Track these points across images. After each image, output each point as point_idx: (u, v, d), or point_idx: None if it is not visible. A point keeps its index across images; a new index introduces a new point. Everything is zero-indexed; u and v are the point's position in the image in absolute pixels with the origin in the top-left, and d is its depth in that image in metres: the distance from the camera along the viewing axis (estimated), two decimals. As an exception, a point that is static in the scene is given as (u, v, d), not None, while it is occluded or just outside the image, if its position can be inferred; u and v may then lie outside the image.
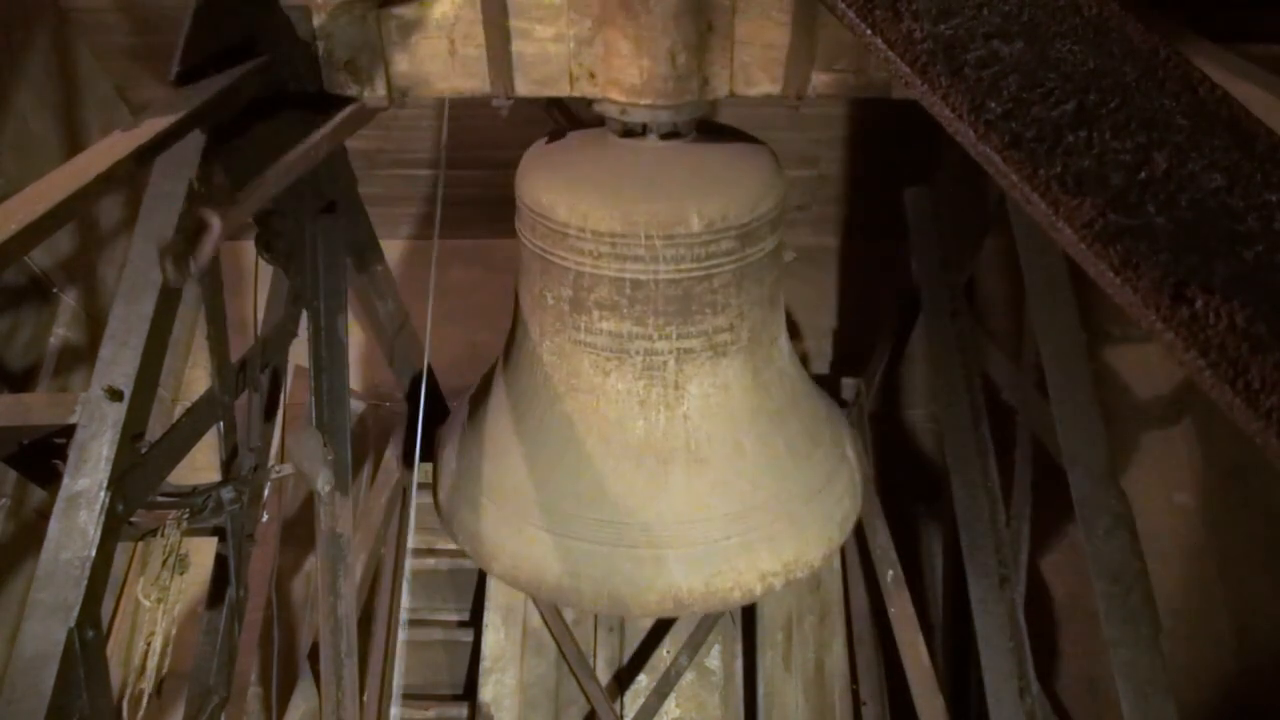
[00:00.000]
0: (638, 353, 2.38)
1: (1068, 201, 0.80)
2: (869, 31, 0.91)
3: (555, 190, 2.30)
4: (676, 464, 2.47)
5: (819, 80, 2.14)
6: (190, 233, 1.23)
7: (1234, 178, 0.77)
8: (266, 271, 2.49)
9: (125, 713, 1.89)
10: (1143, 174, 0.79)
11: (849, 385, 4.05)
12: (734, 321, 2.40)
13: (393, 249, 3.19)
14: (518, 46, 2.13)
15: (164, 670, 2.01)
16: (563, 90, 2.19)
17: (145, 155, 1.63)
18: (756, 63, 2.13)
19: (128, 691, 1.93)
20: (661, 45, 2.01)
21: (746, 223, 2.29)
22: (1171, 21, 1.56)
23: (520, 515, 2.56)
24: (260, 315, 2.53)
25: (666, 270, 2.26)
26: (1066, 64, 0.85)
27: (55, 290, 3.86)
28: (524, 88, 2.20)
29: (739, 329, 2.42)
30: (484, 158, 3.40)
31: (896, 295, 3.67)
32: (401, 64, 2.18)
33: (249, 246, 2.35)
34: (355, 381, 2.88)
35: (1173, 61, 0.83)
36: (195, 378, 4.57)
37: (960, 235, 3.15)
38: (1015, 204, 1.14)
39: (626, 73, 2.07)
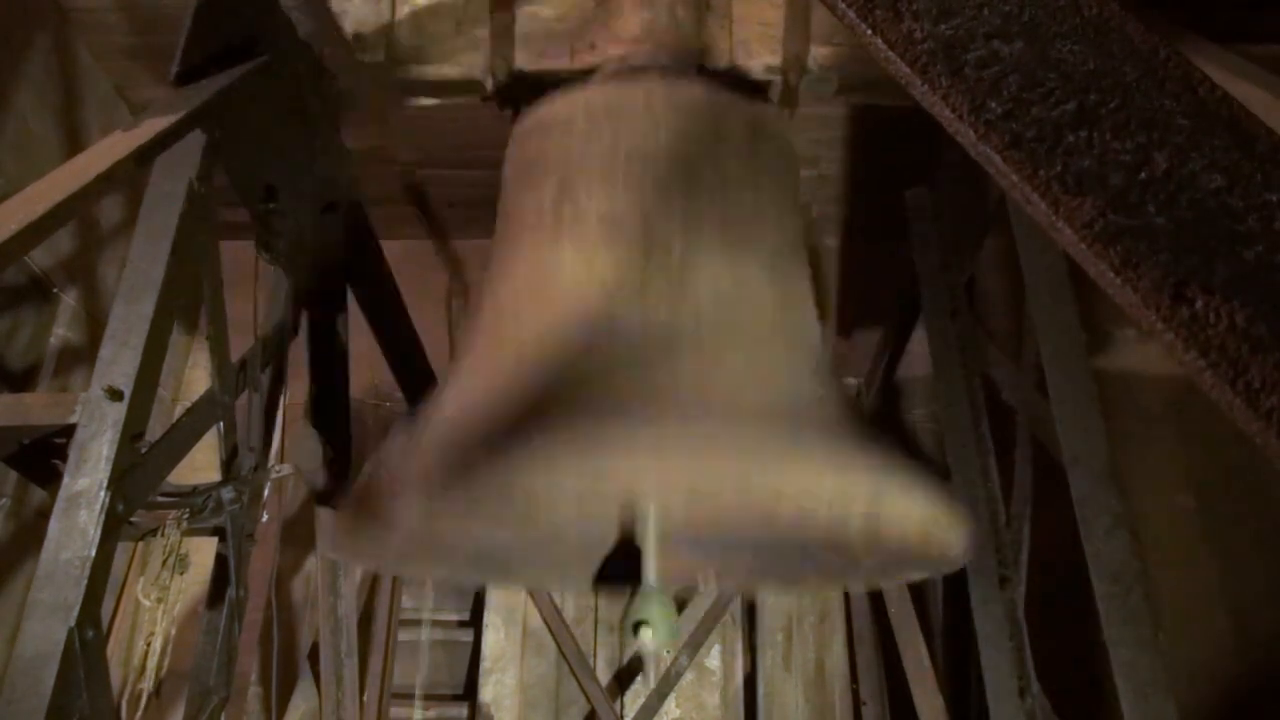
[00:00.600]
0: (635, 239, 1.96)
1: (1068, 201, 0.80)
2: (869, 31, 0.91)
3: (546, 100, 2.10)
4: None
5: (818, 53, 2.17)
6: None
7: (1234, 178, 0.78)
8: (266, 271, 2.49)
9: (125, 713, 1.89)
10: (1143, 174, 0.79)
11: (849, 385, 4.06)
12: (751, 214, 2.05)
13: (393, 249, 3.19)
14: (522, 28, 2.16)
15: (164, 670, 2.01)
16: (563, 62, 2.20)
17: (145, 155, 1.63)
18: (755, 38, 2.15)
19: (127, 691, 1.93)
20: (661, 2, 2.03)
21: (755, 116, 2.14)
22: (1171, 21, 1.56)
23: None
24: (260, 315, 2.53)
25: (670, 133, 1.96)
26: (1067, 64, 0.85)
27: (55, 290, 3.86)
28: (525, 61, 2.21)
29: (759, 221, 2.06)
30: (484, 158, 3.40)
31: (896, 295, 3.67)
32: (406, 38, 2.20)
33: (249, 246, 2.35)
34: (355, 381, 2.88)
35: (1173, 61, 0.83)
36: (195, 378, 4.57)
37: (960, 235, 3.15)
38: (1015, 204, 1.14)
39: (627, 26, 2.07)
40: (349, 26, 2.16)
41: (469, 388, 1.90)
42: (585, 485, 1.71)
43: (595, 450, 1.56)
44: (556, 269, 1.92)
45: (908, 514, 1.64)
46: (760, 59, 2.17)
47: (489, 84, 2.20)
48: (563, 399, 1.69)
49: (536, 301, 1.91)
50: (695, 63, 2.21)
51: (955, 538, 1.73)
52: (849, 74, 2.24)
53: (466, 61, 2.21)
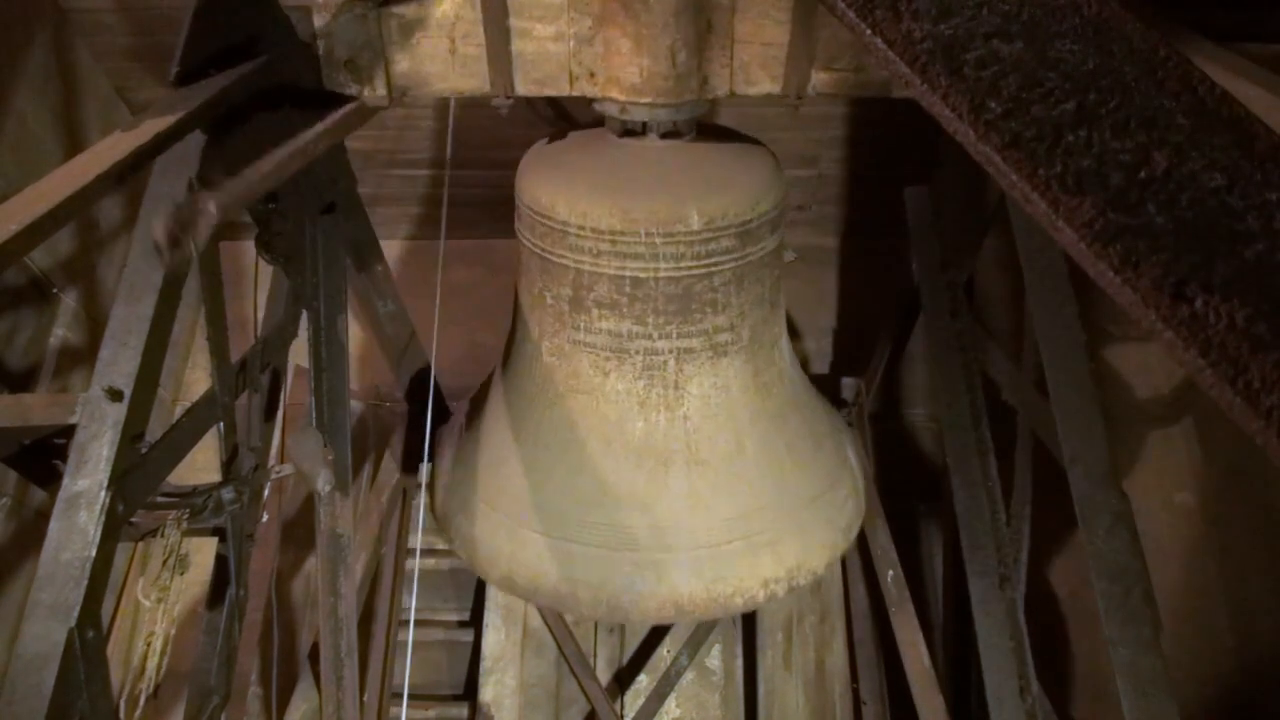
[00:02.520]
0: (637, 352, 2.37)
1: (1068, 201, 0.80)
2: (869, 31, 0.91)
3: (555, 189, 2.30)
4: (677, 465, 2.46)
5: (819, 79, 2.15)
6: (187, 216, 1.23)
7: (1234, 177, 0.77)
8: (266, 271, 2.49)
9: (125, 713, 1.89)
10: (1143, 173, 0.79)
11: (849, 385, 4.05)
12: (734, 321, 2.40)
13: (393, 249, 3.19)
14: (517, 46, 2.14)
15: (164, 670, 2.01)
16: (562, 89, 2.19)
17: (145, 155, 1.63)
18: (756, 61, 2.13)
19: (127, 691, 1.93)
20: (661, 44, 2.01)
21: (746, 221, 2.29)
22: (1171, 21, 1.56)
23: (517, 519, 2.55)
24: (260, 315, 2.53)
25: (666, 268, 2.26)
26: (1066, 64, 0.85)
27: (55, 290, 3.86)
28: (523, 87, 2.20)
29: (739, 329, 2.42)
30: (484, 158, 3.39)
31: (896, 295, 3.67)
32: (402, 63, 2.18)
33: (249, 246, 2.35)
34: (355, 381, 2.88)
35: (1173, 61, 0.83)
36: (195, 378, 4.56)
37: (960, 235, 3.15)
38: (1015, 204, 1.14)
39: (626, 71, 2.07)
40: (340, 51, 2.14)
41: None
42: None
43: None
44: (575, 374, 2.43)
45: None
46: (760, 85, 2.16)
47: (497, 103, 2.20)
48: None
49: (555, 403, 2.50)
50: (695, 115, 2.26)
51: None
52: (850, 94, 2.24)
53: (467, 88, 2.20)
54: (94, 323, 4.01)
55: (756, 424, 2.52)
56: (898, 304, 3.65)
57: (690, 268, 2.27)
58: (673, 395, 2.42)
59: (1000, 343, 3.07)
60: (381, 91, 2.19)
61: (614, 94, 2.14)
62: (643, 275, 2.27)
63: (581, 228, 2.24)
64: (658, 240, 2.22)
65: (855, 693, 3.62)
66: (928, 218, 3.31)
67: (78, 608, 1.47)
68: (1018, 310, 2.76)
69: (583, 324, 2.37)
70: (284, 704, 3.14)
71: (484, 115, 2.28)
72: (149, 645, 1.99)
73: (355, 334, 2.85)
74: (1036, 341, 2.48)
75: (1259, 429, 0.71)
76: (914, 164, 3.44)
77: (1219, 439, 3.81)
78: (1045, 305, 2.46)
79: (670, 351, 2.38)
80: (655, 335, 2.35)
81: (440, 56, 2.17)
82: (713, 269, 2.29)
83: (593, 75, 2.15)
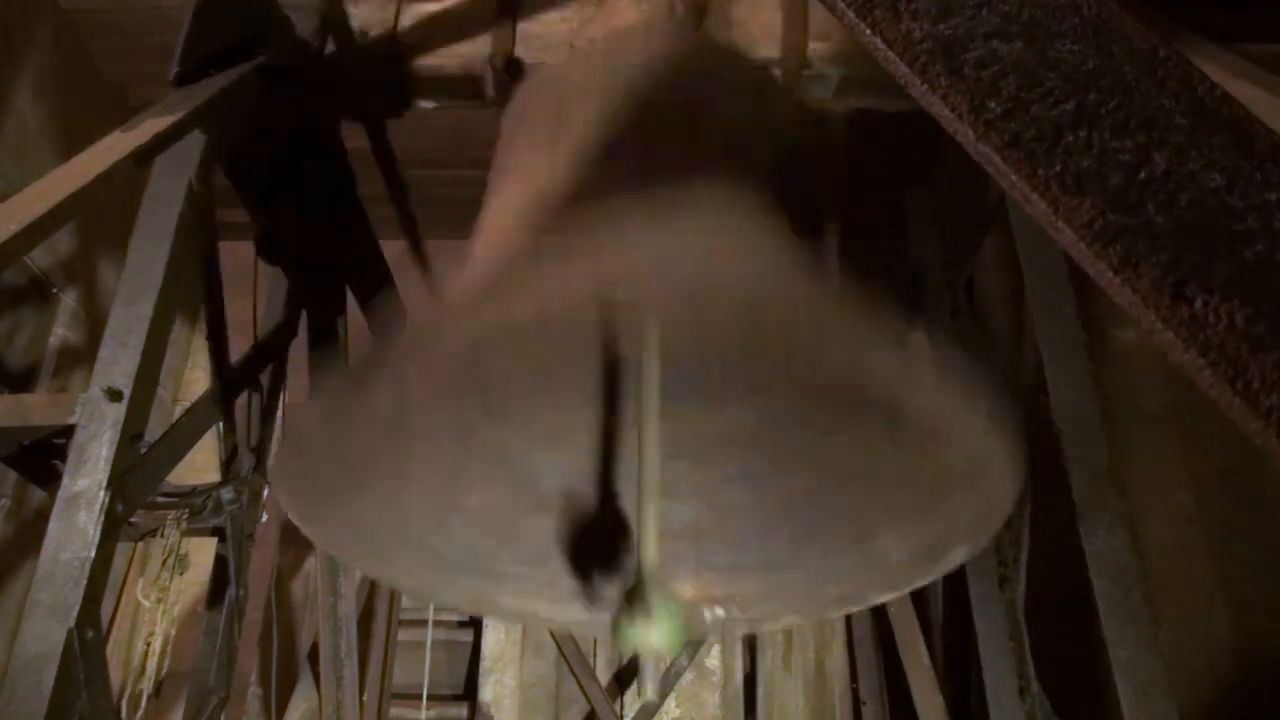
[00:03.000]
0: None
1: (1067, 201, 0.80)
2: (868, 31, 0.91)
3: None
4: None
5: (817, 47, 2.17)
6: None
7: (1234, 177, 0.77)
8: (266, 271, 2.49)
9: (125, 713, 1.89)
10: (1142, 174, 0.79)
11: (849, 385, 4.05)
12: None
13: (393, 249, 3.18)
14: (524, 30, 2.16)
15: (164, 670, 2.01)
16: (562, 56, 2.21)
17: (145, 155, 1.63)
18: (755, 36, 2.16)
19: (127, 691, 1.93)
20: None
21: None
22: (1171, 21, 1.56)
23: None
24: (260, 315, 2.53)
25: None
26: (1066, 64, 0.85)
27: (55, 290, 3.86)
28: (524, 54, 2.21)
29: None
30: (484, 158, 3.39)
31: (896, 295, 3.67)
32: (408, 37, 2.21)
33: (249, 246, 2.36)
34: (355, 381, 2.87)
35: (1173, 61, 0.83)
36: (195, 378, 4.57)
37: (960, 235, 3.15)
38: (1015, 204, 1.14)
39: (625, 17, 2.06)
40: (355, 25, 2.17)
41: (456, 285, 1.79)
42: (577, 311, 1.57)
43: (588, 259, 1.37)
44: (552, 183, 1.80)
45: (946, 401, 1.34)
46: (760, 52, 2.17)
47: (489, 79, 2.20)
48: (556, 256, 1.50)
49: (530, 209, 1.81)
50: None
51: (1005, 462, 1.35)
52: (848, 73, 2.24)
53: (468, 56, 2.21)
54: (94, 323, 4.01)
55: None
56: (898, 304, 3.64)
57: None
58: None
59: (1000, 343, 3.07)
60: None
61: None
62: None
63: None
64: None
65: (855, 693, 3.62)
66: (928, 218, 3.31)
67: (77, 608, 1.47)
68: (1018, 310, 2.76)
69: None
70: (284, 704, 3.14)
71: (483, 115, 2.28)
72: (149, 645, 2.00)
73: (355, 334, 2.84)
74: (1036, 341, 2.48)
75: (1259, 429, 0.71)
76: (914, 164, 3.44)
77: (1219, 439, 3.81)
78: (1045, 305, 2.46)
79: None
80: None
81: (449, 37, 2.21)
82: None
83: (593, 43, 2.16)
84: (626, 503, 1.70)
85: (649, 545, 1.36)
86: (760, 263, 1.49)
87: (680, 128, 1.76)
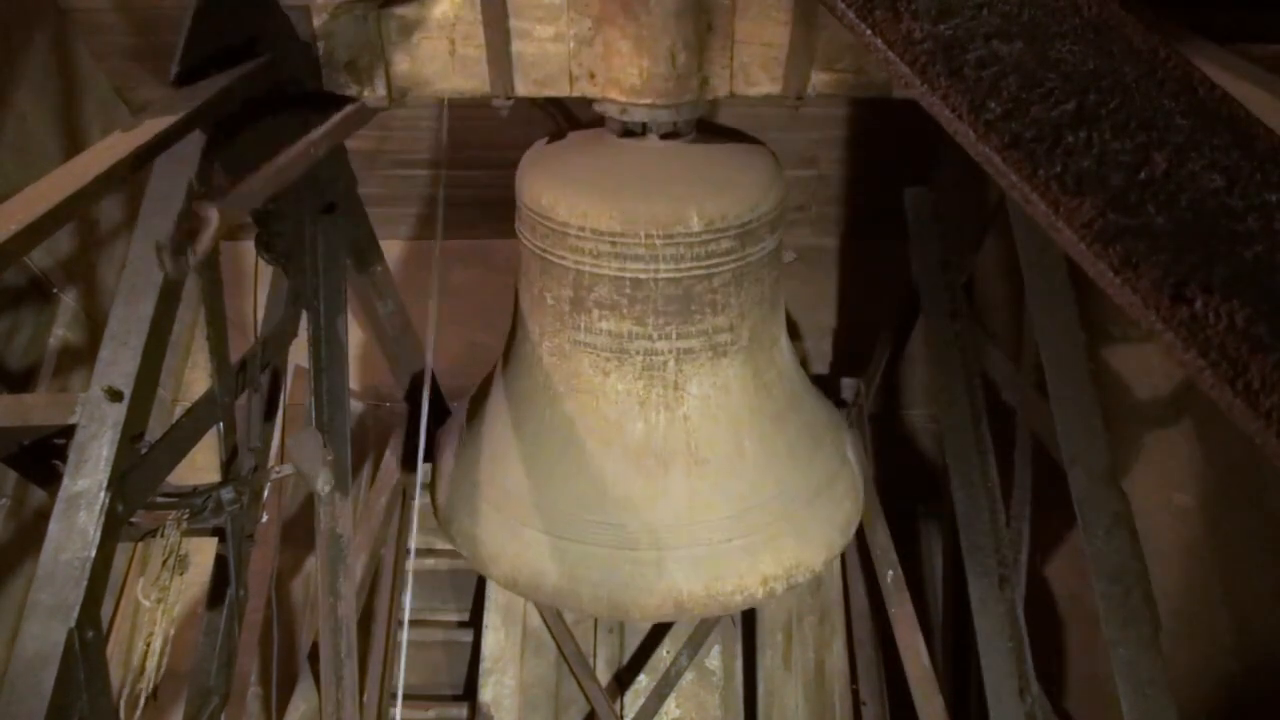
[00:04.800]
0: (637, 352, 2.38)
1: (1067, 201, 0.80)
2: (869, 31, 0.91)
3: (555, 190, 2.30)
4: (677, 465, 2.46)
5: (819, 79, 2.15)
6: (189, 226, 1.23)
7: (1234, 178, 0.77)
8: (266, 271, 2.49)
9: (125, 713, 1.89)
10: (1143, 174, 0.79)
11: (849, 385, 4.05)
12: (734, 322, 2.40)
13: (393, 249, 3.19)
14: (517, 46, 2.14)
15: (164, 670, 2.01)
16: (562, 90, 2.19)
17: (145, 155, 1.63)
18: (756, 62, 2.13)
19: (127, 691, 1.93)
20: (661, 44, 2.02)
21: (746, 222, 2.29)
22: (1171, 21, 1.56)
23: (519, 519, 2.55)
24: (260, 315, 2.53)
25: (666, 269, 2.26)
26: (1066, 64, 0.85)
27: (55, 290, 3.86)
28: (524, 88, 2.20)
29: (739, 329, 2.42)
30: (484, 158, 3.39)
31: (896, 295, 3.67)
32: (402, 64, 2.18)
33: (249, 246, 2.35)
34: (355, 381, 2.88)
35: (1173, 61, 0.83)
36: (195, 378, 4.56)
37: (960, 235, 3.15)
38: (1015, 204, 1.14)
39: (626, 72, 2.07)
40: (340, 53, 2.14)
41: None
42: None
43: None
44: (575, 374, 2.44)
45: None
46: (760, 86, 2.16)
47: (497, 104, 2.21)
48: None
49: (556, 402, 2.49)
50: (695, 115, 2.27)
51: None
52: (850, 94, 2.24)
53: (467, 88, 2.21)
54: (94, 323, 4.01)
55: (756, 423, 2.52)
56: (898, 304, 3.64)
57: (690, 268, 2.27)
58: (673, 395, 2.42)
59: (1000, 343, 3.07)
60: (381, 93, 2.19)
61: (614, 95, 2.14)
62: (643, 276, 2.27)
63: (582, 229, 2.25)
64: (658, 241, 2.22)
65: (855, 693, 3.62)
66: (928, 218, 3.31)
67: (77, 608, 1.47)
68: (1018, 310, 2.76)
69: (583, 324, 2.38)
70: (284, 704, 3.14)
71: (483, 115, 2.28)
72: (149, 645, 1.99)
73: (355, 334, 2.85)
74: (1036, 341, 2.48)
75: (1259, 429, 0.70)
76: (914, 164, 3.44)
77: (1219, 439, 3.81)
78: (1045, 305, 2.46)
79: (670, 352, 2.38)
80: (655, 336, 2.35)
81: (440, 57, 2.17)
82: (713, 270, 2.30)
83: (593, 76, 2.15)
84: None
85: None
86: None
87: (678, 329, 2.34)
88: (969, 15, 0.88)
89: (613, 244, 2.24)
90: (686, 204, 2.21)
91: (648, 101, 2.11)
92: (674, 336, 2.36)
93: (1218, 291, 0.74)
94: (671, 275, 2.27)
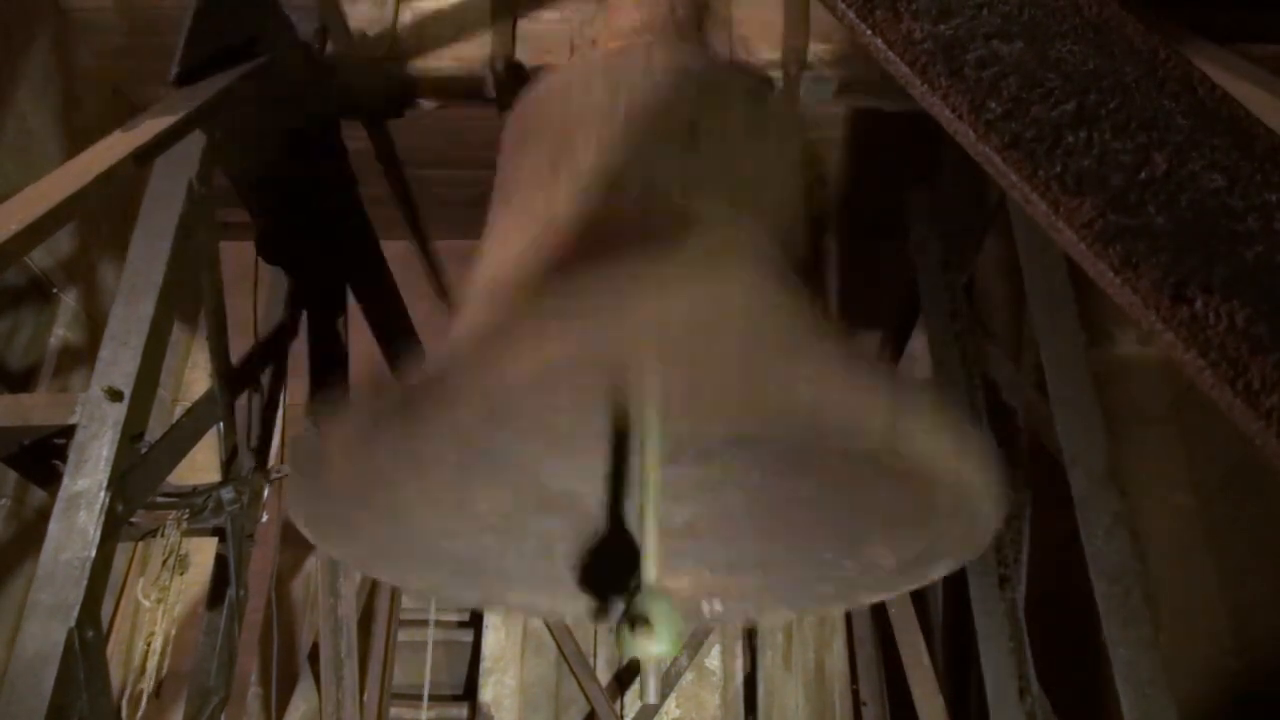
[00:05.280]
0: None
1: (1068, 201, 0.80)
2: (869, 32, 0.91)
3: None
4: None
5: (818, 49, 2.17)
6: None
7: (1234, 178, 0.77)
8: (266, 271, 2.49)
9: (125, 713, 1.89)
10: (1143, 174, 0.79)
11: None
12: None
13: (393, 249, 3.18)
14: (524, 30, 2.17)
15: (164, 670, 2.01)
16: (563, 59, 2.20)
17: (145, 155, 1.63)
18: (754, 35, 2.16)
19: (127, 691, 1.93)
20: (662, 6, 2.03)
21: None
22: (1171, 21, 1.56)
23: None
24: (260, 315, 2.53)
25: None
26: (1066, 64, 0.85)
27: (55, 290, 3.86)
28: (525, 57, 2.21)
29: None
30: (484, 158, 3.39)
31: (896, 295, 3.67)
32: (408, 37, 2.21)
33: (249, 246, 2.36)
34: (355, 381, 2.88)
35: (1173, 61, 0.83)
36: (195, 378, 4.57)
37: (960, 235, 3.15)
38: (1015, 204, 1.14)
39: (627, 20, 2.06)
40: (353, 25, 2.17)
41: (461, 332, 1.82)
42: (578, 375, 1.67)
43: (590, 320, 1.35)
44: (552, 218, 1.80)
45: (935, 447, 1.41)
46: (760, 54, 2.17)
47: (489, 80, 2.20)
48: (557, 308, 1.48)
49: (533, 248, 1.80)
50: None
51: (988, 498, 1.45)
52: (849, 75, 2.24)
53: (468, 57, 2.22)
54: (94, 323, 4.01)
55: None
56: (898, 304, 3.64)
57: None
58: None
59: (1000, 343, 3.07)
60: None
61: (614, 44, 2.14)
62: None
63: None
64: None
65: (855, 693, 3.62)
66: (928, 218, 3.31)
67: (77, 608, 1.47)
68: (1018, 310, 2.76)
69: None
70: (284, 704, 3.14)
71: (483, 115, 2.29)
72: (149, 645, 1.99)
73: (355, 334, 2.84)
74: (1036, 341, 2.48)
75: (1259, 430, 0.70)
76: (914, 164, 3.44)
77: (1218, 440, 3.82)
78: (1045, 305, 2.46)
79: None
80: None
81: (446, 37, 2.21)
82: None
83: (594, 44, 2.16)
84: (629, 511, 1.76)
85: (650, 561, 1.44)
86: (759, 313, 1.53)
87: (683, 157, 1.78)
88: (969, 15, 0.88)
89: (605, 71, 2.17)
90: None
91: (648, 38, 2.11)
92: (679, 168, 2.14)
93: (1218, 292, 0.74)
94: (678, 92, 2.13)
